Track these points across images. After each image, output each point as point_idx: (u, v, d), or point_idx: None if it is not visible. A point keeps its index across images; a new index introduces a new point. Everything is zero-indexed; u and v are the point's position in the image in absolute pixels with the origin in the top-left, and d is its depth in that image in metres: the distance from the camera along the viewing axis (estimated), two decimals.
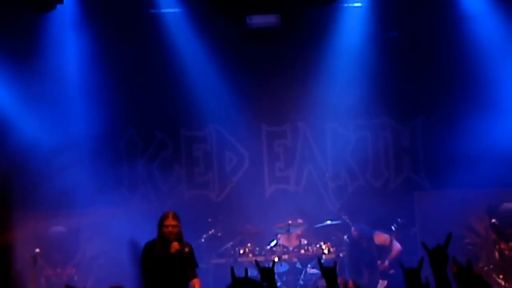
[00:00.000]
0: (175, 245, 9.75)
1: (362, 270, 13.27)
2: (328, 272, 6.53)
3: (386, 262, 13.24)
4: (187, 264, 10.03)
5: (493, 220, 12.60)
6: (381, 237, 13.45)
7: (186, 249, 10.05)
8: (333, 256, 13.38)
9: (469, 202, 13.05)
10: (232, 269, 6.49)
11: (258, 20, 14.19)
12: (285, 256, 13.29)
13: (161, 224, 9.89)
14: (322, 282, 12.91)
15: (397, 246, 13.39)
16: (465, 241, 13.14)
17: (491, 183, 13.65)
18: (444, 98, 14.52)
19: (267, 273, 7.14)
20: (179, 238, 9.75)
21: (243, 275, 8.67)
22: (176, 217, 10.24)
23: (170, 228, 9.79)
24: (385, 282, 13.14)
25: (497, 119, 13.99)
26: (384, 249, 13.36)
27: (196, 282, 10.35)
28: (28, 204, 13.39)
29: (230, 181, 14.92)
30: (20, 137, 13.65)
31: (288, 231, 13.50)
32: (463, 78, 14.26)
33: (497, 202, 13.59)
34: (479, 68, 14.07)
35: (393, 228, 13.67)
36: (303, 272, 13.44)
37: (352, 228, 13.40)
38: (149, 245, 9.83)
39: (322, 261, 13.18)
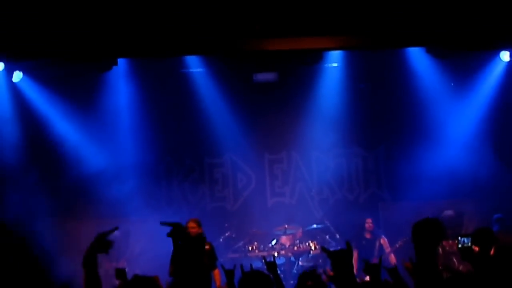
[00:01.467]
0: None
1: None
2: (340, 254, 6.44)
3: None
4: (209, 259, 10.17)
5: None
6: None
7: (207, 247, 10.20)
8: (318, 251, 13.48)
9: (420, 210, 12.60)
10: (241, 266, 6.56)
11: (262, 76, 14.38)
12: (283, 252, 13.26)
13: (185, 228, 10.06)
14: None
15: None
16: None
17: (436, 196, 13.70)
18: (399, 132, 14.51)
19: (272, 265, 7.23)
20: (199, 237, 9.75)
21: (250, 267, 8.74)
22: (195, 221, 10.47)
23: (189, 229, 10.08)
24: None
25: (438, 147, 14.01)
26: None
27: (216, 273, 10.49)
28: (92, 214, 13.39)
29: (241, 195, 14.90)
30: (84, 163, 13.70)
31: (285, 233, 13.50)
32: (413, 117, 14.26)
33: (439, 210, 13.65)
34: (424, 110, 14.10)
35: None
36: (296, 264, 13.40)
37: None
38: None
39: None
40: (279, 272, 12.74)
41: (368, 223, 13.26)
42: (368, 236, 13.21)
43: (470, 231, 12.71)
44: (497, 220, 12.01)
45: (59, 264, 12.46)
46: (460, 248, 9.25)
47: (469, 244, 8.40)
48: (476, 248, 9.53)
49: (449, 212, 13.59)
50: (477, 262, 7.53)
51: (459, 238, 8.67)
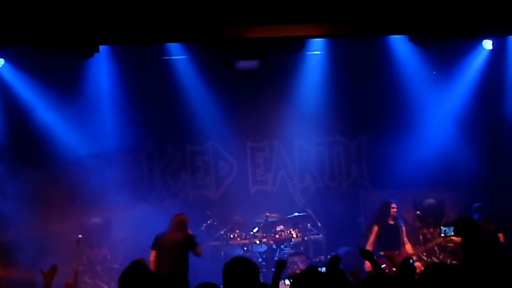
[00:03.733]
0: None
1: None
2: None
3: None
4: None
5: (418, 212, 12.44)
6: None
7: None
8: (300, 239, 13.61)
9: (400, 198, 12.90)
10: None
11: (244, 64, 14.30)
12: (264, 240, 13.41)
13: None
14: (293, 259, 13.12)
15: None
16: None
17: (416, 184, 13.82)
18: (381, 120, 14.57)
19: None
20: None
21: (233, 255, 8.77)
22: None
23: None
24: None
25: (420, 136, 14.12)
26: None
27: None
28: (73, 201, 13.40)
29: (223, 183, 14.93)
30: (65, 149, 13.74)
31: (266, 220, 13.61)
32: (395, 106, 14.33)
33: (420, 198, 13.75)
34: (407, 98, 14.17)
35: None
36: (278, 251, 13.57)
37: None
38: None
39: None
40: (260, 260, 12.89)
41: (394, 208, 12.40)
42: (391, 222, 12.41)
43: (451, 220, 12.95)
44: (477, 209, 12.12)
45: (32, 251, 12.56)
46: (443, 237, 9.37)
47: (452, 233, 8.53)
48: (458, 239, 9.66)
49: (430, 201, 13.76)
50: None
51: (441, 228, 8.80)
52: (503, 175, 13.95)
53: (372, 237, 12.25)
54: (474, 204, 12.36)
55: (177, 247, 11.07)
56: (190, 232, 11.36)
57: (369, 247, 11.93)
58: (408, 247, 12.44)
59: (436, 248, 13.35)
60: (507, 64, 13.65)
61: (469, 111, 14.17)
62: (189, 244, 11.16)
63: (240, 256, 6.54)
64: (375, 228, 12.28)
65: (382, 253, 11.05)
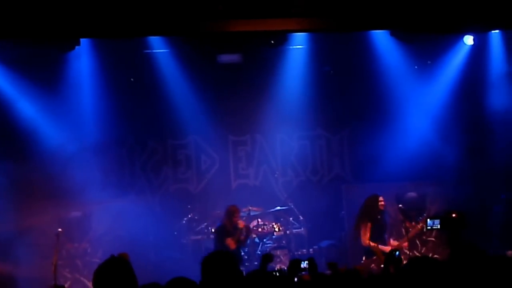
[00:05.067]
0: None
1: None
2: None
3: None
4: None
5: (400, 205, 12.56)
6: None
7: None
8: (282, 233, 13.67)
9: (382, 192, 12.71)
10: None
11: (226, 57, 14.28)
12: None
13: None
14: (275, 252, 13.17)
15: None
16: None
17: (398, 178, 13.83)
18: (363, 114, 14.63)
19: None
20: None
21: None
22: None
23: None
24: None
25: (402, 130, 14.25)
26: None
27: None
28: (53, 195, 13.25)
29: (205, 177, 14.93)
30: (46, 143, 13.66)
31: (248, 214, 13.63)
32: (377, 100, 14.39)
33: (402, 192, 13.76)
34: (388, 93, 14.23)
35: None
36: (260, 244, 13.63)
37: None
38: None
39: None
40: (242, 253, 12.96)
41: (381, 201, 12.21)
42: (379, 216, 12.16)
43: (432, 213, 13.02)
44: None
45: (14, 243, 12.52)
46: (428, 229, 9.39)
47: (438, 226, 8.58)
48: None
49: (412, 194, 13.76)
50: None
51: (428, 220, 8.83)
52: (484, 169, 14.09)
53: (367, 233, 12.08)
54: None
55: None
56: (239, 223, 11.98)
57: (366, 242, 11.97)
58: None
59: (418, 242, 13.42)
60: (488, 59, 13.80)
61: (450, 105, 14.27)
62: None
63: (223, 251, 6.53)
64: (369, 225, 12.10)
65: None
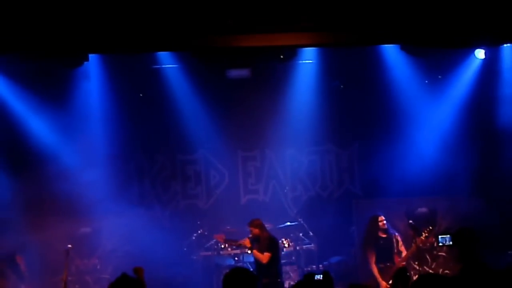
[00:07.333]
0: None
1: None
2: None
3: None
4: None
5: (410, 221, 12.48)
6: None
7: None
8: (292, 249, 13.58)
9: (392, 207, 13.00)
10: None
11: (235, 72, 14.32)
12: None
13: None
14: (284, 269, 13.05)
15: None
16: None
17: (408, 193, 13.81)
18: (373, 129, 14.60)
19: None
20: None
21: (224, 265, 8.68)
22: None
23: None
24: None
25: (412, 145, 14.21)
26: None
27: None
28: (62, 211, 13.30)
29: (214, 193, 14.92)
30: (55, 158, 13.64)
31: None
32: (387, 115, 14.40)
33: (412, 207, 13.71)
34: (399, 108, 14.22)
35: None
36: None
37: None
38: None
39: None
40: (252, 270, 12.86)
41: (381, 221, 12.37)
42: (383, 235, 12.36)
43: (442, 229, 12.96)
44: None
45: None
46: (440, 246, 9.33)
47: (450, 242, 8.54)
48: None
49: (422, 210, 13.71)
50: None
51: (439, 237, 8.80)
52: (495, 185, 14.01)
53: (373, 258, 12.19)
54: None
55: None
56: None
57: (370, 267, 12.13)
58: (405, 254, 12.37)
59: (428, 257, 13.35)
60: (500, 73, 13.75)
61: (461, 120, 14.23)
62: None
63: (239, 266, 6.51)
64: (373, 249, 12.24)
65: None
